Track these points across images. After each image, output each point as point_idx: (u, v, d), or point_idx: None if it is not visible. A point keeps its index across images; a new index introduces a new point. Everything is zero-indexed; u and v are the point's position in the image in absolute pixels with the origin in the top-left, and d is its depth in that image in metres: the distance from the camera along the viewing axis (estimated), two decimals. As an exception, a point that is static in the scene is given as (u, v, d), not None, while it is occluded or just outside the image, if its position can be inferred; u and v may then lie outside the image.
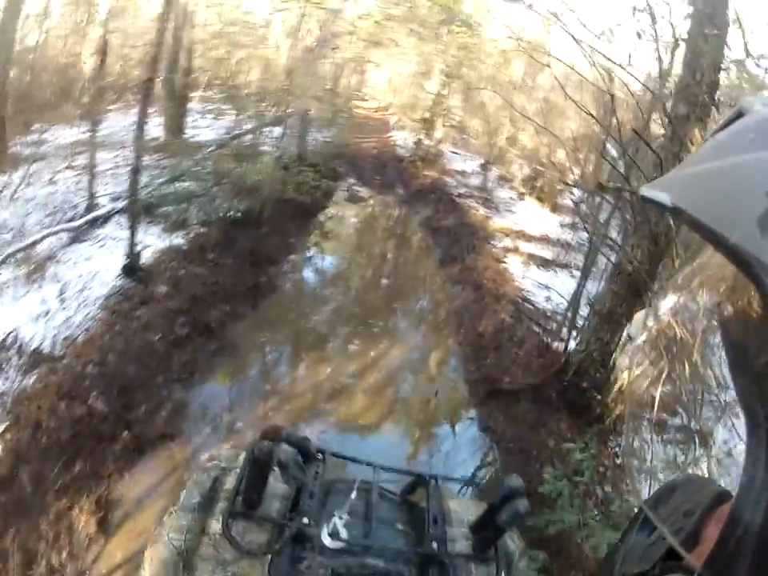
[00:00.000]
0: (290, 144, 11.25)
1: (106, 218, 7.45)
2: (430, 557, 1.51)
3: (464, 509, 1.72)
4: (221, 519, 1.44)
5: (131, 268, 5.92)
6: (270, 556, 1.40)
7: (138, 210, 7.76)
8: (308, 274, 8.65)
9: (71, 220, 7.30)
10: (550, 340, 6.38)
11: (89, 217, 7.29)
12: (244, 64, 13.52)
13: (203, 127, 12.48)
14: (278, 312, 6.88)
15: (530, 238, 10.68)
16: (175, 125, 11.52)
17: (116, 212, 7.68)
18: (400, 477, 1.89)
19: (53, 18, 11.15)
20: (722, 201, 0.40)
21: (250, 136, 10.98)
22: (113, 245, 6.75)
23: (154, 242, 6.85)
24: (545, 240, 10.72)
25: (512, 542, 1.64)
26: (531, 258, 9.49)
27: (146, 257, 6.45)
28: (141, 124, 6.05)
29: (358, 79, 19.92)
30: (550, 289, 7.99)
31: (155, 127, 10.92)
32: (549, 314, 7.27)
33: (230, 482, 1.56)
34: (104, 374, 4.94)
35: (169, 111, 11.29)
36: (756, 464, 0.42)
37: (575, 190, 12.94)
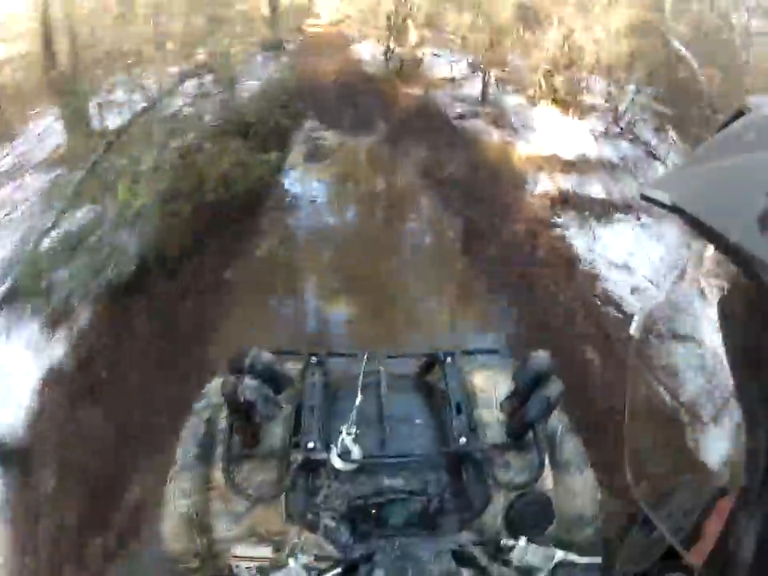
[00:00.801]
0: (212, 103, 8.06)
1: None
2: (459, 454, 1.30)
3: (491, 384, 1.46)
4: (221, 468, 1.28)
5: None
6: (283, 496, 1.24)
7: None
8: (256, 334, 4.93)
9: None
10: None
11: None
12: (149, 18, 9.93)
13: (118, 104, 9.11)
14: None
15: (567, 166, 7.87)
16: (77, 118, 8.27)
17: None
18: (411, 363, 1.70)
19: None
20: (721, 200, 0.39)
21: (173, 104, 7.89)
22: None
23: (28, 366, 4.24)
24: (586, 164, 7.95)
25: (554, 419, 1.36)
26: (584, 204, 6.81)
27: (24, 407, 3.90)
28: None
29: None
30: (631, 270, 5.40)
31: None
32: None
33: (224, 421, 1.35)
34: None
35: (66, 104, 7.98)
36: (756, 463, 0.42)
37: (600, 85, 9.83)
